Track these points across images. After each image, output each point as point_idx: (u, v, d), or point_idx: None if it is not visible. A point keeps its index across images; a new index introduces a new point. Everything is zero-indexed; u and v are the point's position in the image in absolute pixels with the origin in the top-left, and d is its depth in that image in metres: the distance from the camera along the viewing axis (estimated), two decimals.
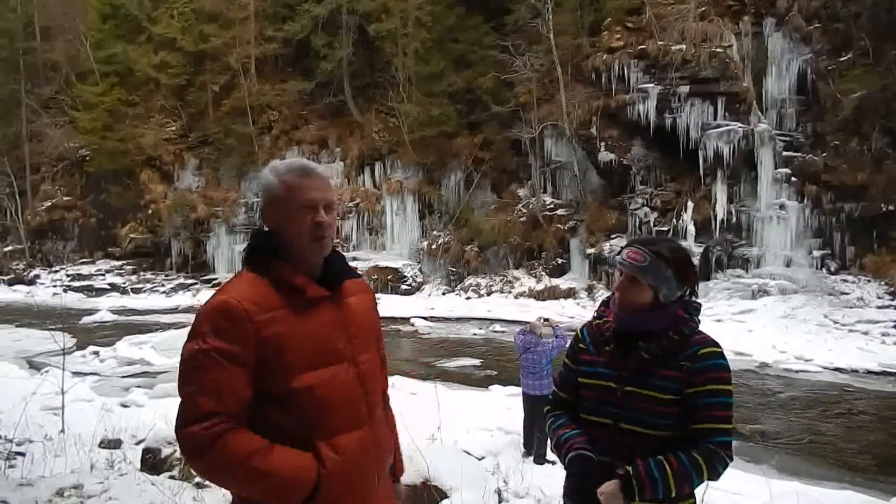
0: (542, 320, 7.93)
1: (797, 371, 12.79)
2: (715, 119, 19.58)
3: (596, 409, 2.03)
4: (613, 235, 21.12)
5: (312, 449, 1.59)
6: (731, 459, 1.93)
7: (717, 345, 1.98)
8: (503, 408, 9.05)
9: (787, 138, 19.59)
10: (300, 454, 1.57)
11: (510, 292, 22.26)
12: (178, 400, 1.61)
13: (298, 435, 1.59)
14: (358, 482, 1.67)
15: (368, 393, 1.75)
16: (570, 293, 21.26)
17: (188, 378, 1.56)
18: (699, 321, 2.05)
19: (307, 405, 1.61)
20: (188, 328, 1.67)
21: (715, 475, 1.91)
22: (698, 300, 2.10)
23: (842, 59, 18.67)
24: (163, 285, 27.95)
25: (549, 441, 2.19)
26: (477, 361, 14.05)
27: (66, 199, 31.92)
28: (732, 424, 1.97)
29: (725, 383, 1.96)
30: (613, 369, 2.00)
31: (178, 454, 4.99)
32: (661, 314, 1.97)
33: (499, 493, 5.12)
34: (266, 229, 1.76)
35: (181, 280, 28.17)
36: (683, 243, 18.78)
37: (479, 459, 6.34)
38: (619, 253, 2.10)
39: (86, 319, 19.45)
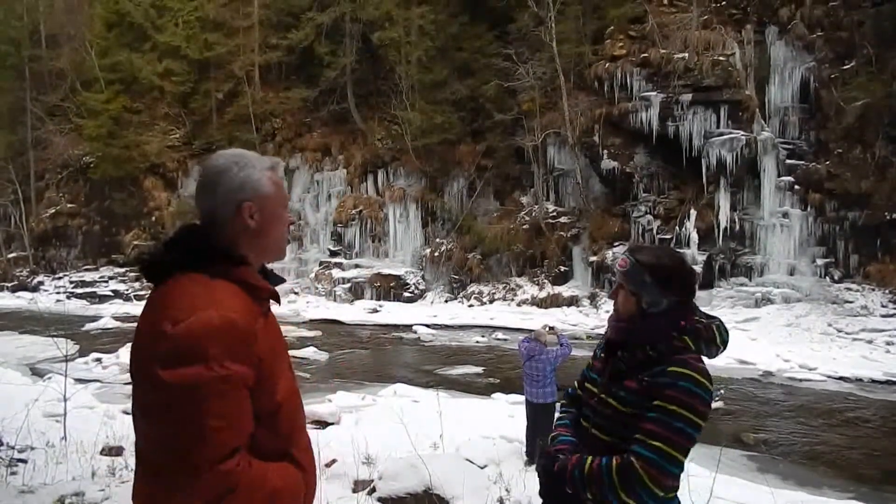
0: (546, 328, 7.92)
1: (801, 380, 12.74)
2: (718, 127, 19.61)
3: (583, 412, 2.07)
4: (616, 243, 21.10)
5: (287, 458, 1.53)
6: (639, 482, 1.75)
7: (696, 371, 1.81)
8: (505, 416, 9.02)
9: (790, 146, 19.59)
10: (284, 466, 1.51)
11: (513, 300, 22.24)
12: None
13: (275, 449, 1.51)
14: (316, 473, 1.67)
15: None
16: (572, 301, 21.24)
17: (205, 410, 1.34)
18: (693, 346, 1.88)
19: (285, 416, 1.54)
20: None
21: (629, 493, 1.77)
22: (699, 320, 1.93)
23: (845, 67, 18.70)
24: None
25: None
26: (479, 369, 14.02)
27: (70, 205, 32.02)
28: (676, 454, 1.75)
29: (686, 408, 1.76)
30: (600, 375, 2.04)
31: None
32: (646, 325, 1.93)
33: (501, 501, 5.09)
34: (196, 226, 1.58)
35: None
36: (686, 251, 18.92)
37: (482, 468, 6.31)
38: None
39: (88, 326, 19.46)
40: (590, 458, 1.90)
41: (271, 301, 1.60)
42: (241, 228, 1.54)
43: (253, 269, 1.55)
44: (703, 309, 2.05)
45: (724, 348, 1.97)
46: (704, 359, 1.91)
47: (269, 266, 1.70)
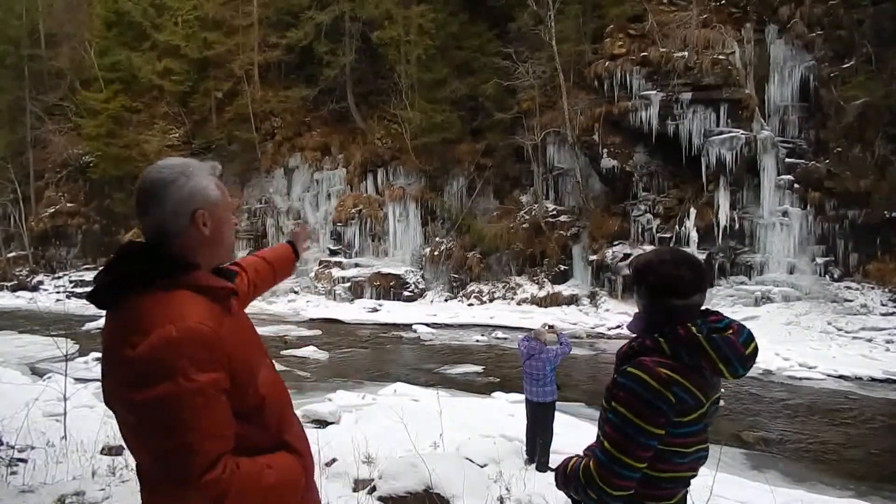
0: (546, 327, 7.91)
1: (801, 378, 12.75)
2: (717, 126, 19.60)
3: None
4: (616, 242, 21.11)
5: (283, 446, 1.56)
6: (592, 482, 1.79)
7: (649, 374, 1.76)
8: (505, 415, 9.01)
9: (790, 145, 19.59)
10: (281, 456, 1.54)
11: (512, 299, 22.23)
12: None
13: (269, 441, 1.54)
14: (312, 455, 1.71)
15: None
16: (572, 300, 21.24)
17: (181, 424, 1.34)
18: (670, 351, 1.80)
19: (272, 407, 1.55)
20: None
21: (594, 491, 1.81)
22: (689, 326, 1.84)
23: (844, 65, 18.68)
24: None
25: None
26: (479, 368, 14.02)
27: (69, 205, 32.04)
28: (622, 457, 1.76)
29: (630, 411, 1.75)
30: None
31: None
32: (632, 321, 2.00)
33: (501, 500, 5.10)
34: (142, 240, 1.57)
35: None
36: (686, 250, 18.95)
37: (482, 467, 6.32)
38: None
39: (88, 325, 19.46)
40: (573, 459, 1.97)
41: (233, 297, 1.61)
42: (196, 237, 1.53)
43: (206, 272, 1.54)
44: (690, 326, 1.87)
45: (729, 364, 1.80)
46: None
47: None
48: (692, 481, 1.96)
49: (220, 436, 1.40)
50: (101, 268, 1.53)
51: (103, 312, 1.51)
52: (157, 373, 1.34)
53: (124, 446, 6.26)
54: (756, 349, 1.87)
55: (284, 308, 23.85)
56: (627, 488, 1.79)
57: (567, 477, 1.96)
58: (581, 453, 2.06)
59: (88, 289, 1.53)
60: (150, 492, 1.45)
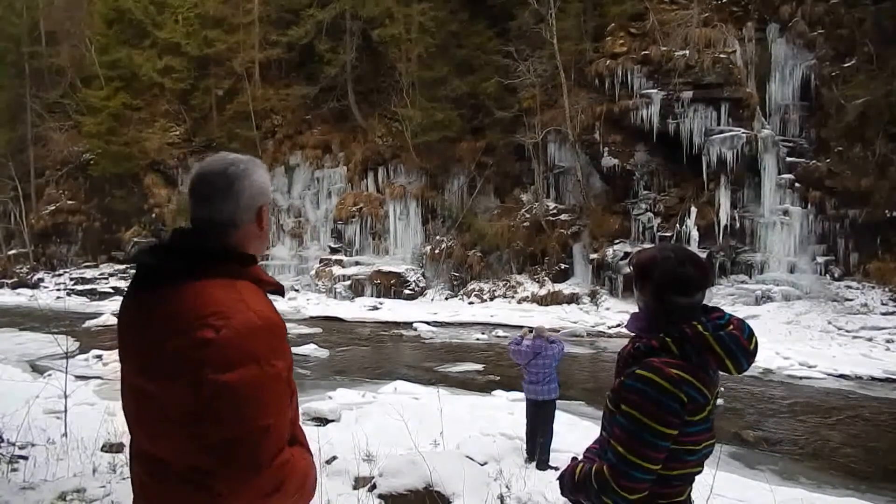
0: (527, 330, 7.86)
1: (801, 377, 12.74)
2: (718, 125, 19.60)
3: None
4: (616, 241, 21.11)
5: (294, 440, 1.56)
6: (608, 487, 1.77)
7: (660, 375, 1.74)
8: (505, 413, 9.02)
9: (791, 144, 19.60)
10: (299, 449, 1.56)
11: (513, 297, 22.24)
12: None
13: (289, 433, 1.54)
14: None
15: None
16: (573, 298, 21.25)
17: (262, 407, 1.38)
18: (677, 350, 1.79)
19: (294, 400, 1.58)
20: None
21: (609, 496, 1.78)
22: (695, 325, 1.81)
23: (846, 64, 18.68)
24: None
25: None
26: (479, 366, 14.01)
27: (70, 202, 32.04)
28: (636, 459, 1.74)
29: (643, 414, 1.73)
30: None
31: None
32: (633, 320, 1.96)
33: (501, 498, 5.11)
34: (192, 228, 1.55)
35: None
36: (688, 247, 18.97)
37: (482, 465, 6.33)
38: None
39: (89, 323, 19.46)
40: (581, 465, 1.93)
41: (276, 295, 1.64)
42: (255, 231, 1.58)
43: (260, 266, 1.58)
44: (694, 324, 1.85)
45: (736, 361, 1.79)
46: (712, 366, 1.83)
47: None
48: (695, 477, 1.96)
49: (287, 421, 1.47)
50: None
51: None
52: (244, 356, 1.37)
53: (125, 443, 6.27)
54: (757, 344, 1.86)
55: (285, 306, 23.85)
56: (643, 490, 1.77)
57: (577, 484, 1.91)
58: (581, 456, 2.05)
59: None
60: (186, 484, 1.40)
